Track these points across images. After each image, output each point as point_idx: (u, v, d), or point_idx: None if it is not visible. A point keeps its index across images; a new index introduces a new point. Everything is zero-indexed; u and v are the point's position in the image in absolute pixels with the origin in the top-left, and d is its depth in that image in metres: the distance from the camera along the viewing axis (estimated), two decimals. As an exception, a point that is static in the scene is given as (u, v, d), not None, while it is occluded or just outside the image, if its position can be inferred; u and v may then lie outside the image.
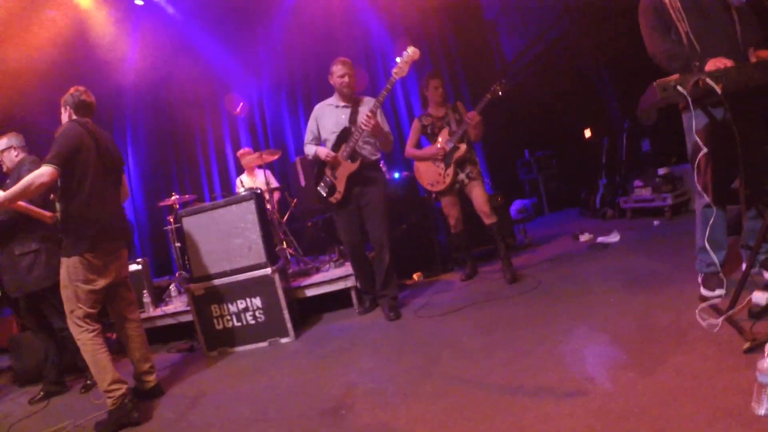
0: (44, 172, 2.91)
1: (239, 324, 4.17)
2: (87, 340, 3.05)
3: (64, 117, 3.31)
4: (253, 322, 4.14)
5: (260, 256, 4.11)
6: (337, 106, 4.18)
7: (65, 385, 4.15)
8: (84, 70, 7.93)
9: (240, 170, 7.12)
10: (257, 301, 4.11)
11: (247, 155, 6.50)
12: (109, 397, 2.99)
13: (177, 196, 6.23)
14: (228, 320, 4.19)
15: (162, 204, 6.49)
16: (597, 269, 4.15)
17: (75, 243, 3.07)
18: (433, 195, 4.87)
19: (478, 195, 4.54)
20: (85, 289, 3.08)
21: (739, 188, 2.62)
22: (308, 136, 4.28)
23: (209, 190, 9.24)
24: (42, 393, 4.02)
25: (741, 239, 2.80)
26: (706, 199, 2.71)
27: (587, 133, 8.81)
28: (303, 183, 6.62)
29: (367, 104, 4.14)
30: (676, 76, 2.41)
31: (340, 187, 4.05)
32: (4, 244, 3.86)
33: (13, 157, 3.95)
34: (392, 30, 8.58)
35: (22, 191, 2.93)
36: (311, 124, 4.28)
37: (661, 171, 6.07)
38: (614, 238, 5.18)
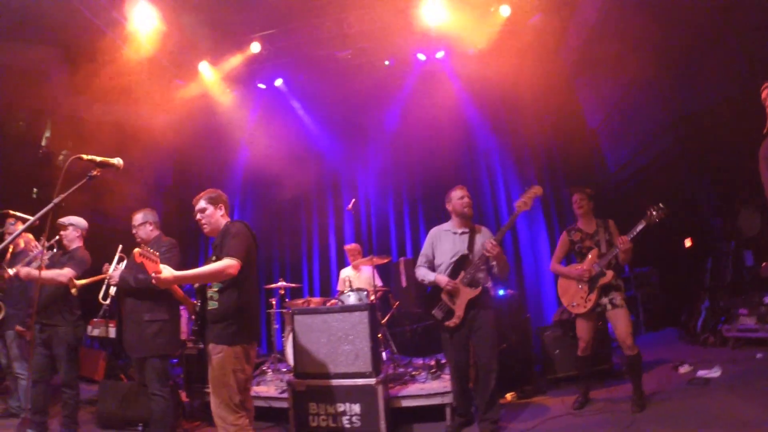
0: (233, 264, 3.19)
1: (334, 425, 4.28)
2: (246, 426, 3.22)
3: (216, 214, 3.58)
4: (348, 426, 4.24)
5: (367, 365, 4.28)
6: (455, 233, 4.36)
7: None
8: (202, 142, 8.69)
9: (341, 263, 7.32)
10: (356, 407, 4.23)
11: (356, 253, 6.81)
12: None
13: (284, 282, 6.56)
14: (324, 420, 4.32)
15: (267, 287, 6.77)
16: (696, 410, 4.04)
17: (238, 333, 3.27)
18: (572, 315, 4.80)
19: (621, 324, 4.39)
20: (242, 378, 3.27)
21: None
22: (421, 259, 4.46)
23: (308, 278, 9.43)
24: None
25: None
26: None
27: (687, 242, 8.57)
28: (404, 284, 6.81)
29: (484, 233, 4.34)
30: None
31: (460, 312, 4.16)
32: (133, 308, 4.14)
33: (148, 231, 4.29)
34: (498, 135, 8.86)
35: (208, 275, 3.22)
36: (427, 249, 4.46)
37: None
38: (715, 373, 4.94)
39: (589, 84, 8.47)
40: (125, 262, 4.40)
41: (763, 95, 2.90)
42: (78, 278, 4.38)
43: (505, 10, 7.63)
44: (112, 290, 4.28)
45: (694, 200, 7.82)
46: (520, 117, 8.40)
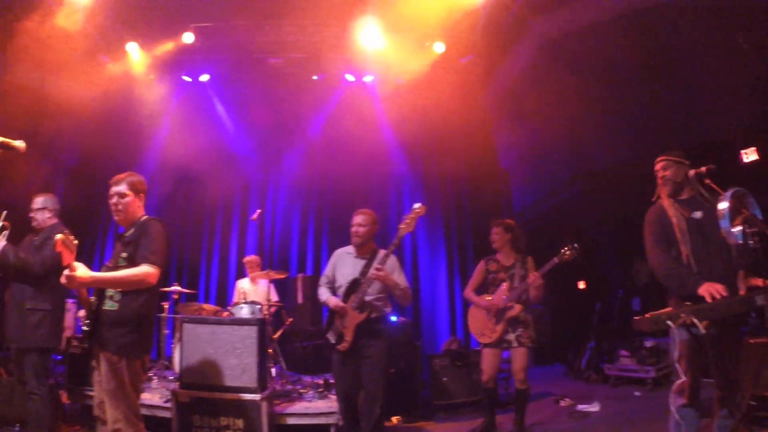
0: (153, 273, 2.94)
1: (217, 440, 4.17)
2: None
3: (135, 203, 3.23)
4: (231, 442, 4.15)
5: (252, 380, 4.23)
6: (355, 256, 4.30)
7: None
8: (116, 126, 8.26)
9: (240, 273, 7.16)
10: (240, 423, 4.15)
11: (255, 266, 6.69)
12: None
13: (179, 287, 6.37)
14: (207, 433, 4.21)
15: (162, 290, 6.52)
16: None
17: (138, 343, 3.03)
18: (462, 345, 4.90)
19: (519, 361, 4.60)
20: (138, 389, 3.06)
21: (714, 392, 2.95)
22: (323, 279, 4.40)
23: (205, 285, 9.13)
24: None
25: None
26: (683, 400, 2.92)
27: (581, 285, 9.10)
28: (300, 301, 6.76)
29: (379, 258, 4.25)
30: (668, 310, 2.74)
31: (348, 336, 4.06)
32: (15, 294, 3.90)
33: (45, 218, 4.05)
34: (412, 164, 9.06)
35: (126, 281, 2.93)
36: (329, 270, 4.41)
37: (648, 343, 6.36)
38: (594, 407, 5.35)
39: (506, 127, 8.85)
40: (5, 231, 4.06)
41: (657, 167, 3.22)
42: None
43: (439, 47, 7.88)
44: None
45: (592, 248, 8.34)
46: (437, 149, 8.62)
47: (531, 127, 8.03)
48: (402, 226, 4.09)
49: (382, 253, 4.24)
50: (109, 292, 3.04)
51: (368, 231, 4.25)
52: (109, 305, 3.02)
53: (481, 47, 7.93)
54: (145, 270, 2.93)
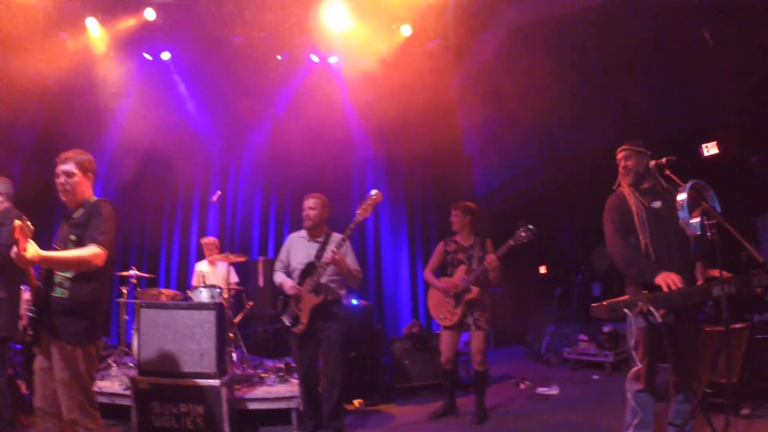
0: (100, 254, 2.81)
1: (177, 426, 4.13)
2: (102, 425, 2.93)
3: (83, 183, 3.09)
4: (191, 427, 4.10)
5: (211, 366, 4.17)
6: (309, 240, 4.39)
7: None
8: (75, 105, 7.95)
9: (201, 256, 6.99)
10: (200, 409, 4.10)
11: (213, 248, 6.57)
12: None
13: (136, 272, 6.20)
14: (168, 419, 4.14)
15: (120, 274, 6.34)
16: (533, 424, 4.49)
17: (91, 330, 2.92)
18: (423, 328, 4.93)
19: (477, 343, 4.69)
20: (94, 377, 2.97)
21: (670, 377, 3.03)
22: (278, 264, 4.48)
23: (166, 269, 8.92)
24: None
25: (668, 418, 3.08)
26: (639, 385, 2.99)
27: (542, 270, 9.28)
28: (261, 284, 6.69)
29: (335, 241, 4.29)
30: (625, 298, 2.77)
31: (304, 318, 4.14)
32: None
33: None
34: (375, 147, 9.01)
35: (73, 262, 2.80)
36: (282, 253, 4.49)
37: (606, 328, 6.52)
38: (553, 390, 5.48)
39: (472, 112, 8.84)
40: None
41: (619, 156, 3.26)
42: None
43: (406, 30, 7.82)
44: None
45: (554, 233, 8.49)
46: (401, 132, 8.55)
47: (497, 113, 8.07)
48: (359, 211, 4.15)
49: (335, 236, 4.34)
50: (58, 278, 2.90)
51: (318, 214, 4.35)
52: (58, 292, 2.88)
53: (449, 32, 7.91)
54: (92, 251, 2.80)
